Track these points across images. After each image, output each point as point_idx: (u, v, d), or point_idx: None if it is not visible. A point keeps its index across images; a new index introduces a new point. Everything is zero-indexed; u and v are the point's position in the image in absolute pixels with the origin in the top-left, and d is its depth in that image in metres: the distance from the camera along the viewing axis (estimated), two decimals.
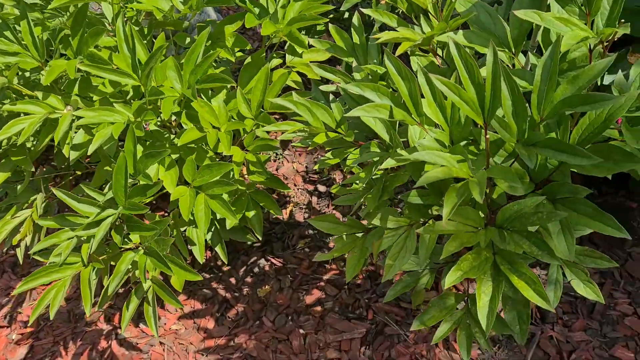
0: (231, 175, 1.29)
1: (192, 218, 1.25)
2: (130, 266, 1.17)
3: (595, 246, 1.54)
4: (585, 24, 0.91)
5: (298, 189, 1.81)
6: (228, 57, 1.28)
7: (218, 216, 1.34)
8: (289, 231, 1.72)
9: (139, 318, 1.57)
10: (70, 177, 1.57)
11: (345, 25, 1.22)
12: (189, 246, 1.39)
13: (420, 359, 1.40)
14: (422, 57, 1.15)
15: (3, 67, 1.19)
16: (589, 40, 0.82)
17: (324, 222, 1.21)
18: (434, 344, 1.42)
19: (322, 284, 1.59)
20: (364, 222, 1.25)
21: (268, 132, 1.39)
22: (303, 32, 1.49)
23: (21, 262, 1.59)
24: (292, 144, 1.21)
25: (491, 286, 0.83)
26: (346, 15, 1.68)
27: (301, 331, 1.49)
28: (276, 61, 1.48)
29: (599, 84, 1.27)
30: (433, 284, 1.49)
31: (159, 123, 1.31)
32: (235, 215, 1.17)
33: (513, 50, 1.01)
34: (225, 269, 1.66)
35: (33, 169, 1.34)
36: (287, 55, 1.45)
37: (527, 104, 0.83)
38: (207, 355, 1.48)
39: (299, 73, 1.45)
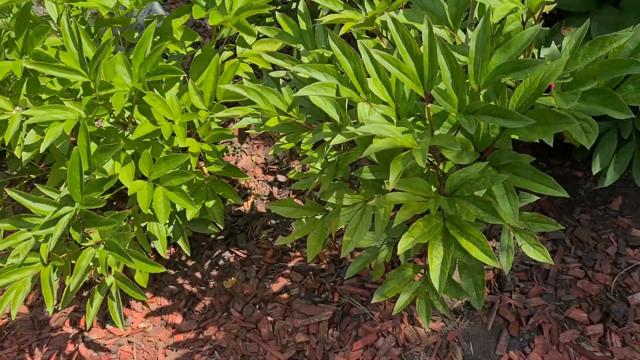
0: (189, 167, 1.30)
1: (152, 213, 1.26)
2: (92, 263, 1.16)
3: (545, 215, 1.61)
4: None
5: (258, 181, 1.83)
6: (178, 50, 1.29)
7: (178, 208, 1.34)
8: (252, 222, 1.73)
9: (105, 319, 1.56)
10: (25, 182, 1.55)
11: (294, 16, 1.24)
12: (152, 244, 1.39)
13: (387, 335, 1.44)
14: (369, 39, 1.19)
15: None
16: (518, 11, 0.87)
17: (283, 206, 1.23)
18: (400, 320, 1.46)
19: (288, 271, 1.61)
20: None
21: (221, 121, 1.41)
22: (253, 25, 1.51)
23: None
24: (248, 131, 1.22)
25: (442, 250, 0.87)
26: (294, 6, 1.71)
27: (269, 318, 1.51)
28: (227, 54, 1.49)
29: (536, 57, 1.33)
30: (393, 260, 1.53)
31: (112, 120, 1.31)
32: (195, 205, 1.18)
33: (452, 27, 1.05)
34: (190, 264, 1.66)
35: None
36: (237, 47, 1.47)
37: (466, 76, 0.87)
38: (176, 350, 1.49)
39: (250, 65, 1.47)
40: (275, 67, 1.59)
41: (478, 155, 0.99)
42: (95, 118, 1.16)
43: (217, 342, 1.48)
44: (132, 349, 1.50)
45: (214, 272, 1.64)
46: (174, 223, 1.39)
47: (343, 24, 1.09)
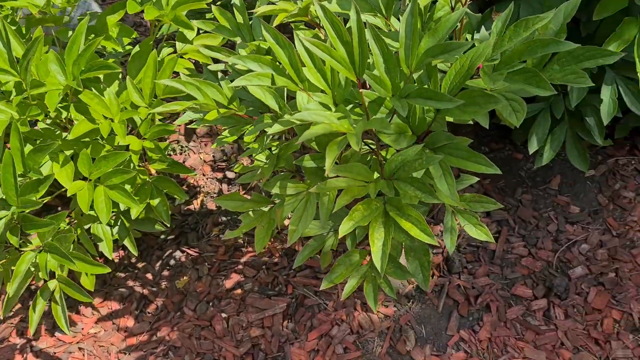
0: (132, 166, 1.28)
1: (94, 214, 1.23)
2: (33, 268, 1.13)
3: (489, 197, 1.66)
4: None
5: (207, 179, 1.82)
6: (115, 47, 1.27)
7: (122, 208, 1.32)
8: (202, 220, 1.72)
9: (54, 327, 1.52)
10: None
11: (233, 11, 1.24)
12: (101, 249, 1.36)
13: (341, 323, 1.46)
14: (307, 30, 1.20)
15: None
16: None
17: (230, 200, 1.23)
18: (353, 308, 1.48)
19: (240, 267, 1.61)
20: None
21: (166, 119, 1.39)
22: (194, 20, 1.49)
23: None
24: (190, 125, 1.21)
25: (383, 232, 0.89)
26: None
27: (223, 315, 1.50)
28: (167, 50, 1.47)
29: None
30: (342, 247, 1.55)
31: (49, 121, 1.27)
32: (139, 203, 1.16)
33: (385, 14, 1.07)
34: (140, 265, 1.64)
35: None
36: (177, 43, 1.45)
37: (398, 61, 0.89)
38: (129, 354, 1.46)
39: (193, 61, 1.46)
40: (217, 62, 1.58)
41: (415, 139, 1.01)
42: (29, 119, 1.13)
43: (171, 342, 1.47)
44: (84, 355, 1.47)
45: (166, 273, 1.62)
46: (119, 224, 1.36)
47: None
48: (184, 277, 1.60)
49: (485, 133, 1.79)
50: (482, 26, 1.14)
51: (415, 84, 0.96)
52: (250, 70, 0.95)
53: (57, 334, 1.51)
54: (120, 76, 1.35)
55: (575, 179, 1.66)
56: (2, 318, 1.51)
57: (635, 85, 1.19)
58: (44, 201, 1.11)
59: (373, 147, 1.10)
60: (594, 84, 0.93)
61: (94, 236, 1.32)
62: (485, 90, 0.94)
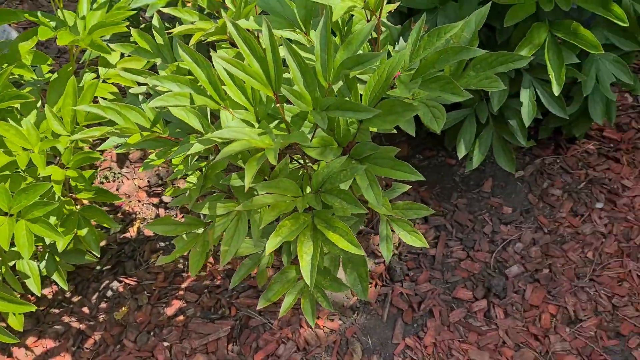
0: (57, 198, 1.23)
1: (16, 250, 1.17)
2: None
3: (426, 204, 1.69)
4: None
5: (143, 204, 1.77)
6: (30, 75, 1.22)
7: (48, 241, 1.26)
8: (139, 248, 1.67)
9: None
10: None
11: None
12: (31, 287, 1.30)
13: (287, 341, 1.44)
14: (230, 49, 1.19)
15: None
16: (356, 9, 0.91)
17: (161, 225, 1.19)
18: (298, 325, 1.46)
19: (182, 292, 1.57)
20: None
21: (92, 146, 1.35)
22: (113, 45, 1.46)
23: None
24: (115, 150, 1.18)
25: (312, 246, 0.88)
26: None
27: (165, 344, 1.46)
28: (90, 75, 1.43)
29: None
30: (279, 264, 1.54)
31: None
32: (65, 235, 1.12)
33: (304, 29, 1.08)
34: (76, 299, 1.57)
35: None
36: (100, 68, 1.41)
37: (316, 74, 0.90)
38: None
39: (118, 85, 1.43)
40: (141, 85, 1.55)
41: (341, 150, 1.02)
42: None
43: None
44: None
45: (103, 305, 1.56)
46: (47, 258, 1.30)
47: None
48: (123, 308, 1.54)
49: (419, 141, 1.83)
50: (402, 37, 1.17)
51: (336, 96, 0.97)
52: (169, 91, 0.93)
53: None
54: (39, 104, 1.30)
55: (506, 181, 1.71)
56: None
57: (551, 87, 1.24)
58: None
59: (303, 161, 1.10)
60: (506, 88, 0.96)
61: (20, 273, 1.26)
62: (403, 99, 0.97)
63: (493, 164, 1.73)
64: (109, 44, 1.18)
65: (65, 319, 1.53)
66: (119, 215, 1.74)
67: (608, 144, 1.75)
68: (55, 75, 1.28)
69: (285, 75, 1.01)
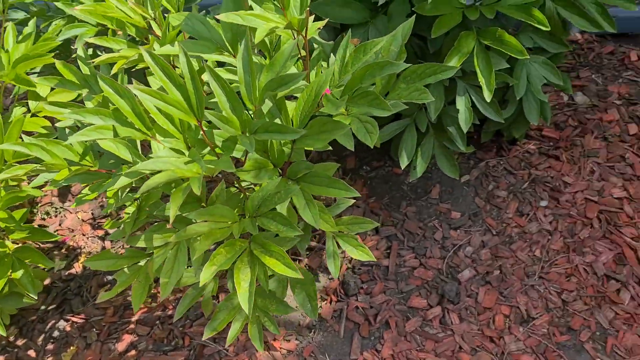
0: None
1: None
2: None
3: (376, 216, 1.69)
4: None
5: (88, 238, 1.71)
6: None
7: None
8: (86, 284, 1.61)
9: None
10: None
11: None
12: None
13: None
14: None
15: None
16: (278, 29, 0.90)
17: (101, 260, 1.16)
18: (254, 349, 1.43)
19: (132, 326, 1.52)
20: None
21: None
22: (36, 78, 1.41)
23: None
24: (45, 188, 1.13)
25: (249, 272, 0.87)
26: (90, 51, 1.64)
27: None
28: (20, 110, 1.38)
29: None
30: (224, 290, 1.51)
31: None
32: None
33: (232, 52, 1.06)
34: (20, 343, 1.50)
35: None
36: (30, 102, 1.37)
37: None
38: None
39: (49, 118, 1.38)
40: None
41: (277, 172, 1.01)
42: None
43: None
44: None
45: (50, 346, 1.50)
46: None
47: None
48: (71, 348, 1.49)
49: (366, 153, 1.84)
50: (333, 54, 1.17)
51: (267, 119, 0.96)
52: (92, 124, 0.90)
53: None
54: None
55: (452, 186, 1.73)
56: None
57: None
58: None
59: (239, 185, 1.08)
60: (434, 99, 0.97)
61: None
62: (335, 115, 0.96)
63: (439, 170, 1.75)
64: (34, 78, 1.15)
65: None
66: (63, 251, 1.68)
67: (548, 142, 1.80)
68: None
69: (214, 100, 0.99)
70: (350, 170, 1.80)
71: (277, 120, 0.96)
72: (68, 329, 1.52)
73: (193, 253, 1.02)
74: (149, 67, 1.17)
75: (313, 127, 0.91)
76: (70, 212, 1.76)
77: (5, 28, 1.32)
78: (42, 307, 1.56)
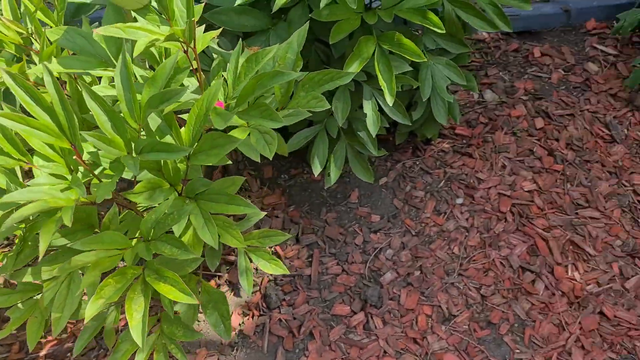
0: None
1: None
2: None
3: (296, 224, 1.67)
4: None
5: None
6: None
7: None
8: None
9: None
10: None
11: None
12: None
13: None
14: None
15: None
16: (159, 41, 0.86)
17: None
18: None
19: None
20: None
21: None
22: None
23: None
24: None
25: (143, 301, 0.81)
26: None
27: None
28: None
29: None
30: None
31: None
32: None
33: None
34: None
35: None
36: None
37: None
38: None
39: None
40: None
41: (173, 191, 0.96)
42: None
43: None
44: None
45: None
46: None
47: None
48: None
49: (283, 161, 1.81)
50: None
51: (155, 136, 0.91)
52: None
53: None
54: None
55: (371, 189, 1.73)
56: None
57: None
58: None
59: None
60: (330, 106, 0.95)
61: None
62: (238, 127, 0.93)
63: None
64: None
65: None
66: None
67: (461, 140, 1.83)
68: None
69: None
70: (268, 179, 1.76)
71: (168, 137, 0.91)
72: None
73: (84, 281, 0.95)
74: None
75: (204, 143, 0.87)
76: None
77: None
78: None
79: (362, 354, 1.41)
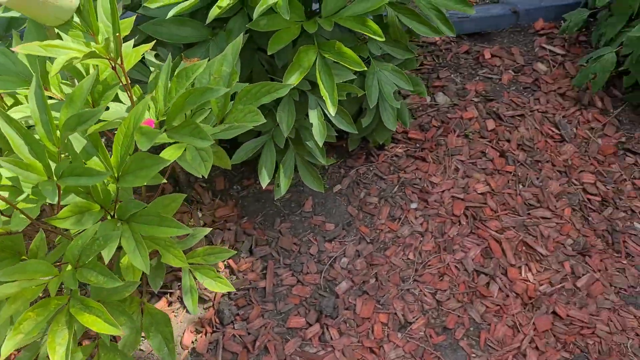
0: None
1: None
2: None
3: (249, 236, 1.63)
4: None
5: None
6: None
7: None
8: None
9: None
10: None
11: None
12: None
13: None
14: None
15: None
16: (79, 58, 0.82)
17: None
18: None
19: None
20: None
21: None
22: None
23: None
24: None
25: (67, 334, 0.77)
26: None
27: None
28: None
29: None
30: None
31: None
32: None
33: (47, 86, 0.96)
34: None
35: None
36: None
37: (39, 140, 0.79)
38: None
39: None
40: None
41: (103, 213, 0.92)
42: None
43: None
44: None
45: None
46: None
47: None
48: None
49: (236, 171, 1.78)
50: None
51: (81, 159, 0.87)
52: None
53: None
54: None
55: (325, 197, 1.71)
56: None
57: (337, 106, 1.24)
58: None
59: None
60: (265, 120, 0.93)
61: None
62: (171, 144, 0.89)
63: None
64: None
65: None
66: None
67: (414, 144, 1.83)
68: None
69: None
70: (220, 191, 1.73)
71: (95, 159, 0.87)
72: None
73: (2, 315, 0.90)
74: None
75: (132, 164, 0.84)
76: None
77: None
78: None
79: None
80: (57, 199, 0.73)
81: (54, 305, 0.79)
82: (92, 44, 0.87)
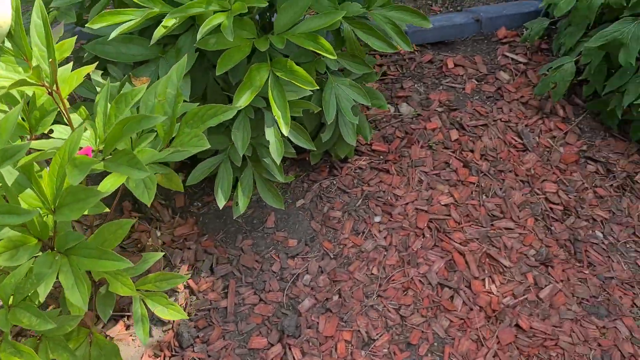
0: None
1: None
2: None
3: (210, 255, 1.60)
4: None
5: None
6: None
7: None
8: None
9: None
10: None
11: None
12: None
13: None
14: None
15: None
16: (5, 87, 0.78)
17: None
18: None
19: None
20: None
21: None
22: None
23: None
24: None
25: None
26: None
27: None
28: None
29: None
30: None
31: None
32: None
33: None
34: None
35: None
36: None
37: None
38: None
39: None
40: None
41: (41, 246, 0.88)
42: None
43: None
44: None
45: None
46: None
47: None
48: None
49: (196, 188, 1.74)
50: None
51: (9, 192, 0.83)
52: None
53: None
54: None
55: (288, 213, 1.68)
56: None
57: (294, 123, 1.22)
58: None
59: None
60: (210, 146, 0.90)
61: None
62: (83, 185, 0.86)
63: None
64: None
65: None
66: None
67: (378, 157, 1.81)
68: None
69: None
70: (180, 208, 1.69)
71: (28, 191, 0.83)
72: None
73: None
74: None
75: (67, 197, 0.80)
76: None
77: None
78: None
79: None
80: None
81: None
82: (22, 70, 0.83)
